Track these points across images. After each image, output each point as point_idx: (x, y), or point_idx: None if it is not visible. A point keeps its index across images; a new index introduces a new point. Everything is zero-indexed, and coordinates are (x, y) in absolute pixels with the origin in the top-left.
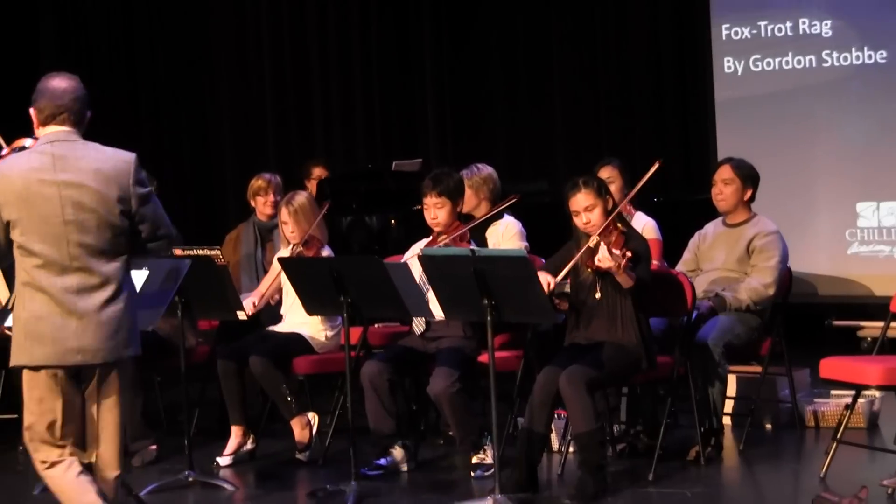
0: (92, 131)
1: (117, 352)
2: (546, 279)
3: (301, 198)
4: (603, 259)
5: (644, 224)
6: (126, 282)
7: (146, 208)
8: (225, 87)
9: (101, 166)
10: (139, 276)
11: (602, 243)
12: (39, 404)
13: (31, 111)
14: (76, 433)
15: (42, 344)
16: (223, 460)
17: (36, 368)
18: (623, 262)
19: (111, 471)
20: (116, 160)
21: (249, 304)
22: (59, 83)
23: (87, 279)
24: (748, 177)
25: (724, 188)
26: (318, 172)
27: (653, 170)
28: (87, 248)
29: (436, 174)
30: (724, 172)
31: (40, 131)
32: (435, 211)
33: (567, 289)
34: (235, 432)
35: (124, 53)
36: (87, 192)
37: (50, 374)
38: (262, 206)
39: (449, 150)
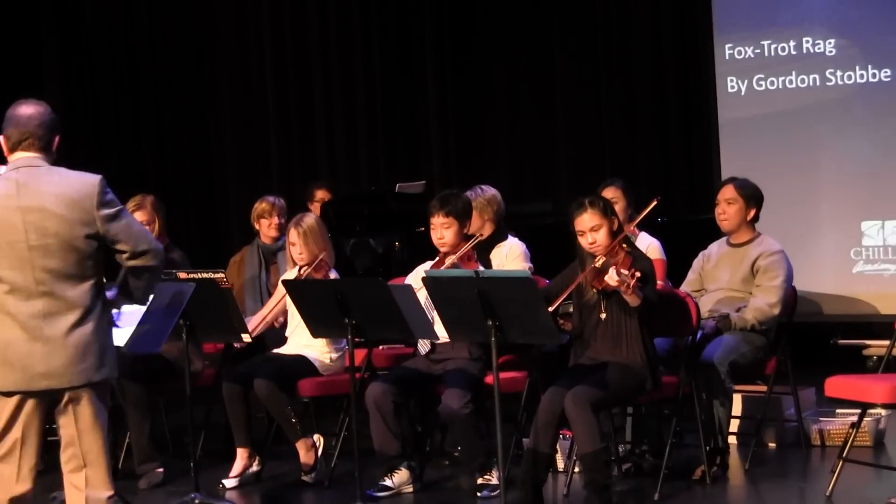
0: (96, 154)
1: (86, 375)
2: None
3: (310, 219)
4: (611, 279)
5: (648, 244)
6: (95, 305)
7: (116, 227)
8: (228, 110)
9: (65, 191)
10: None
11: (610, 263)
12: (4, 428)
13: (1, 138)
14: (31, 460)
15: (12, 370)
16: (229, 482)
17: (7, 394)
18: (632, 282)
19: (102, 491)
20: (80, 184)
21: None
22: (26, 110)
23: (53, 304)
24: (751, 196)
25: (727, 208)
26: (321, 195)
27: (651, 206)
28: (53, 273)
29: (444, 195)
30: (727, 192)
31: (11, 157)
32: (442, 231)
33: (570, 309)
34: (241, 454)
35: (126, 76)
36: (49, 216)
37: (18, 400)
38: (266, 228)
39: (452, 172)
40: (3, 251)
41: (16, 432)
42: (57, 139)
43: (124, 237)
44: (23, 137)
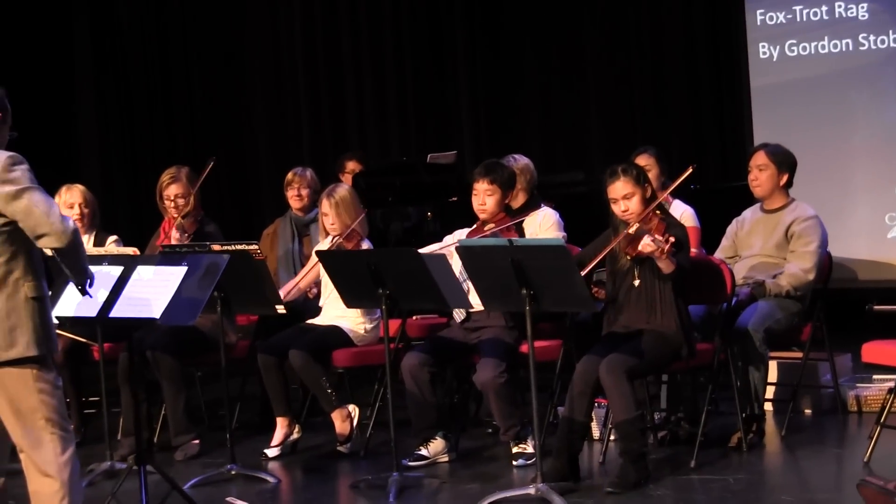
0: (129, 127)
1: None
2: None
3: (343, 190)
4: (646, 245)
5: (682, 212)
6: (5, 282)
7: (14, 207)
8: (259, 82)
9: None
10: (177, 273)
11: (644, 230)
12: None
13: None
14: None
15: None
16: (271, 452)
17: None
18: (667, 248)
19: (39, 479)
20: None
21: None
22: None
23: None
24: (783, 162)
25: (759, 174)
26: (352, 166)
27: (686, 174)
28: None
29: (490, 162)
30: (759, 158)
31: None
32: (485, 197)
33: (604, 277)
34: (281, 423)
35: (158, 48)
36: None
37: None
38: (290, 199)
39: (483, 142)
40: None
41: None
42: None
43: (22, 218)
44: None
